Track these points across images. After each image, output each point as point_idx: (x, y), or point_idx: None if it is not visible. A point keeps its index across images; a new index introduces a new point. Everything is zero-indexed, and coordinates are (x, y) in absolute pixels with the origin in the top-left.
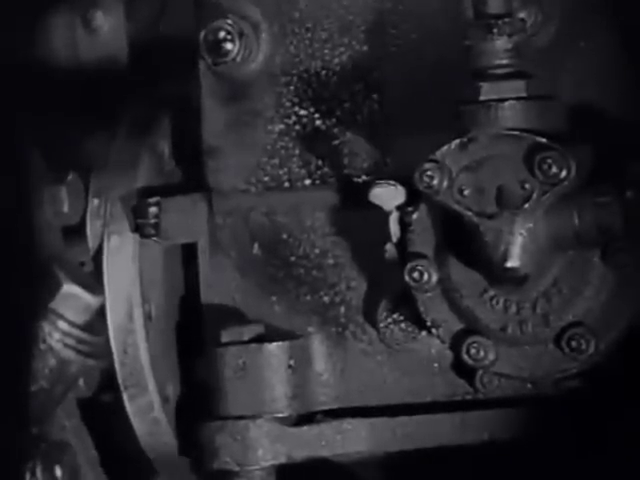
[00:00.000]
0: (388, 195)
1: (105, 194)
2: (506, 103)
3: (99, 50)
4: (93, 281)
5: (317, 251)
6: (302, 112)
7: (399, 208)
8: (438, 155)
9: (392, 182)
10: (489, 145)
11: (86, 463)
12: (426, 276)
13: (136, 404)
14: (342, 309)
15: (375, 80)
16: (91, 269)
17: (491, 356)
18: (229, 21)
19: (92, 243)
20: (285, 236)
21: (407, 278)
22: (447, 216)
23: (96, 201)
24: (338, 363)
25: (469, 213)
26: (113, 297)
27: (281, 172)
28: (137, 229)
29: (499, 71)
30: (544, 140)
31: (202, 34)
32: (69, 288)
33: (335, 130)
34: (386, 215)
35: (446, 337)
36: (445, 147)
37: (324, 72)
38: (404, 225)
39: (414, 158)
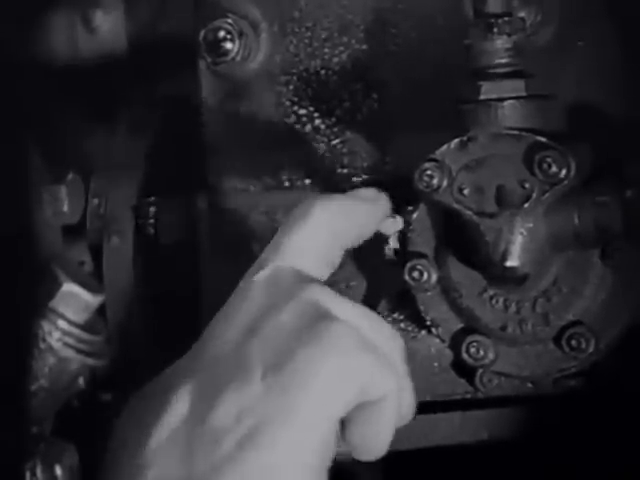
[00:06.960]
0: (387, 225)
1: (105, 194)
2: (506, 102)
3: (99, 49)
4: (93, 280)
5: None
6: (302, 111)
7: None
8: (438, 154)
9: (391, 215)
10: (489, 144)
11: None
12: (426, 275)
13: None
14: None
15: (375, 79)
16: (91, 269)
17: (491, 355)
18: (229, 20)
19: (92, 243)
20: None
21: (407, 277)
22: (447, 215)
23: (96, 201)
24: None
25: (469, 212)
26: (113, 297)
27: (281, 172)
28: (137, 229)
29: (499, 70)
30: (544, 139)
31: (202, 34)
32: (69, 287)
33: (335, 129)
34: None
35: (446, 336)
36: (445, 146)
37: (324, 71)
38: (404, 225)
39: (414, 157)
